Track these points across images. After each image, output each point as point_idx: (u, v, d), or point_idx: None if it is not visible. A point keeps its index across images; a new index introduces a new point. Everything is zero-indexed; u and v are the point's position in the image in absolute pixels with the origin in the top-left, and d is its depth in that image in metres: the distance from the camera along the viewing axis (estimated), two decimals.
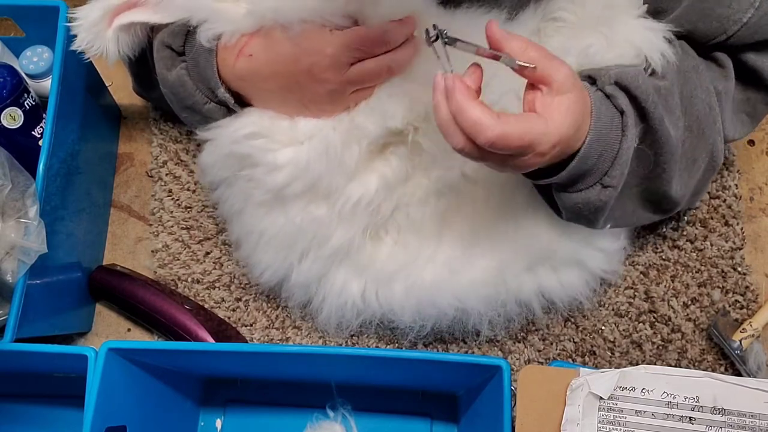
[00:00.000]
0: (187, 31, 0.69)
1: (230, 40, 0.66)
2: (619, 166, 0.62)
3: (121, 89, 0.95)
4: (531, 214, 0.72)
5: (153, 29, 0.71)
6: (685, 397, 0.63)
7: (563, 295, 0.78)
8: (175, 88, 0.71)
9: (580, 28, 0.68)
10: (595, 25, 0.67)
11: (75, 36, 0.70)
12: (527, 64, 0.55)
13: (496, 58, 0.56)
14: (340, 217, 0.71)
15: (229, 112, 0.72)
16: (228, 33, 0.66)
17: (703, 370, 0.78)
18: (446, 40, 0.56)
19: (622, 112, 0.62)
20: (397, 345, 0.83)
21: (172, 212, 0.90)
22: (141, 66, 0.77)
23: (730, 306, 0.85)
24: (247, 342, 0.84)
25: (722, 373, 0.81)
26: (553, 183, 0.64)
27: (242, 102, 0.71)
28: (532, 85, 0.58)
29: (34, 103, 0.80)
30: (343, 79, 0.64)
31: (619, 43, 0.67)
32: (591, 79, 0.65)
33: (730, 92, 0.71)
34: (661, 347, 0.83)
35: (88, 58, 0.73)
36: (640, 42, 0.67)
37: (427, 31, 0.58)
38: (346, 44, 0.62)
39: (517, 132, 0.53)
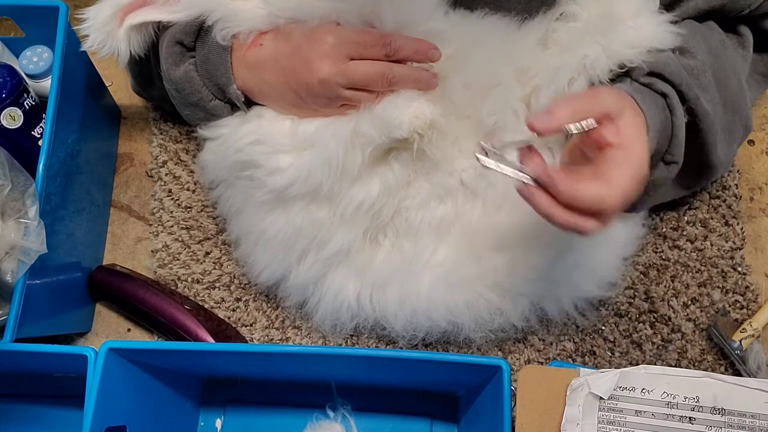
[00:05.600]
0: (200, 28, 0.69)
1: (247, 39, 0.67)
2: (677, 144, 0.66)
3: (121, 89, 0.95)
4: (529, 242, 0.71)
5: (160, 27, 0.72)
6: (685, 397, 0.63)
7: (558, 314, 0.79)
8: (181, 84, 0.71)
9: (581, 37, 0.68)
10: (593, 33, 0.67)
11: (85, 36, 0.70)
12: (586, 126, 0.56)
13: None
14: (341, 220, 0.70)
15: (233, 110, 0.72)
16: (245, 32, 0.67)
17: (703, 370, 0.78)
18: (496, 151, 0.58)
19: (664, 95, 0.66)
20: (396, 345, 0.83)
21: (172, 212, 0.90)
22: (141, 64, 0.77)
23: (730, 306, 0.85)
24: (247, 342, 0.84)
25: (722, 373, 0.81)
26: None
27: (248, 101, 0.71)
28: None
29: (33, 103, 0.80)
30: (337, 71, 0.64)
31: (619, 50, 0.67)
32: (625, 75, 0.68)
33: (748, 59, 0.74)
34: (661, 347, 0.83)
35: (86, 57, 0.73)
36: (648, 41, 0.67)
37: (481, 150, 0.59)
38: (347, 37, 0.64)
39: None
